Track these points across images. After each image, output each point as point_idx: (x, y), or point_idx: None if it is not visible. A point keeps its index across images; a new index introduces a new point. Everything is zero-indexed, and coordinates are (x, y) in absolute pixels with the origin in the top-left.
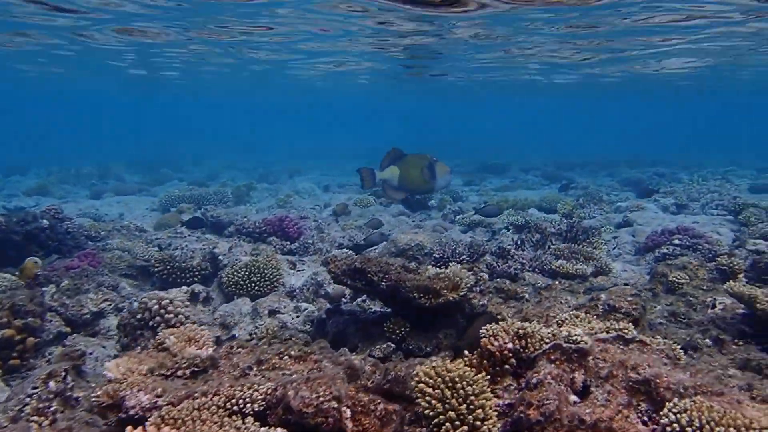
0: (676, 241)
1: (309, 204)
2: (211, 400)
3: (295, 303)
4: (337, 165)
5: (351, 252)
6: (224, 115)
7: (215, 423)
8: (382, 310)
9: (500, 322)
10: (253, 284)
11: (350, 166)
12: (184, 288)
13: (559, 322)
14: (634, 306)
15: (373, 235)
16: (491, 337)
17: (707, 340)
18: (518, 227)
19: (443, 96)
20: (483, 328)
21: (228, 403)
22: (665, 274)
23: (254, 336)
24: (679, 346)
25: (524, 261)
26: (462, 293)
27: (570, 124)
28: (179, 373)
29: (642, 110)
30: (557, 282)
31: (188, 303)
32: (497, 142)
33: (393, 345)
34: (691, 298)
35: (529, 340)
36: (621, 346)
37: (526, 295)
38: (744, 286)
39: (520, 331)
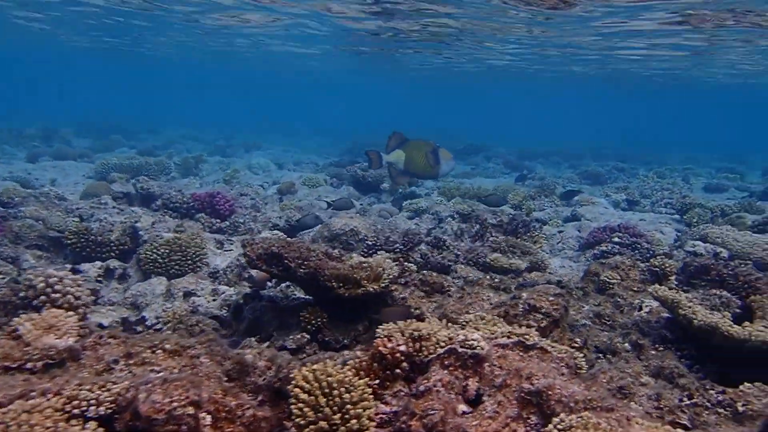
0: (616, 239)
1: (259, 180)
2: (48, 400)
3: (215, 285)
4: (299, 143)
5: (281, 234)
6: (192, 86)
7: (47, 429)
8: (304, 297)
9: (397, 323)
10: (173, 263)
11: (311, 143)
12: (98, 263)
13: (464, 323)
14: (555, 306)
15: (307, 217)
16: (385, 338)
17: (626, 344)
18: (464, 216)
19: (418, 80)
20: (379, 327)
21: (69, 405)
22: (597, 273)
23: (160, 320)
24: (593, 351)
25: (459, 252)
26: (383, 285)
27: (543, 113)
28: (28, 365)
29: (617, 102)
30: (488, 276)
31: (88, 281)
32: (469, 127)
33: (308, 336)
34: (619, 300)
35: (424, 343)
36: (520, 353)
37: (453, 289)
38: (668, 290)
39: (415, 333)
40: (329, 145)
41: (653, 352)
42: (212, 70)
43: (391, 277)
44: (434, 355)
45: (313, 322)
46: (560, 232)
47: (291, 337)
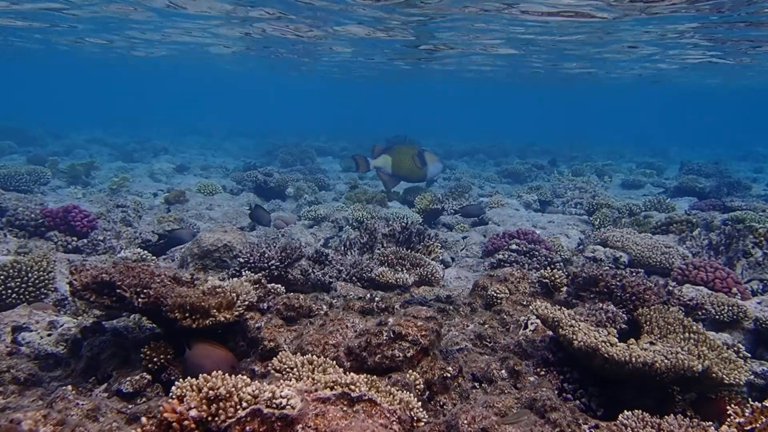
0: (514, 246)
1: (154, 188)
2: None
3: (57, 316)
4: (220, 145)
5: (144, 252)
6: (110, 88)
7: None
8: (156, 328)
9: (192, 379)
10: (10, 291)
11: (233, 146)
12: None
13: (287, 369)
14: (424, 332)
15: (179, 231)
16: (176, 400)
17: (503, 371)
18: (361, 224)
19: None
20: (174, 386)
21: None
22: (485, 287)
23: None
24: (470, 380)
25: (342, 268)
26: (237, 312)
27: (475, 110)
28: None
29: (546, 98)
30: (361, 296)
31: None
32: (402, 124)
33: (149, 376)
34: (506, 317)
35: (223, 403)
36: (344, 408)
37: (322, 312)
38: (549, 307)
39: (211, 392)
40: (253, 147)
41: (532, 379)
42: (129, 71)
43: (247, 302)
44: (233, 419)
45: (156, 359)
46: (464, 238)
47: (129, 378)
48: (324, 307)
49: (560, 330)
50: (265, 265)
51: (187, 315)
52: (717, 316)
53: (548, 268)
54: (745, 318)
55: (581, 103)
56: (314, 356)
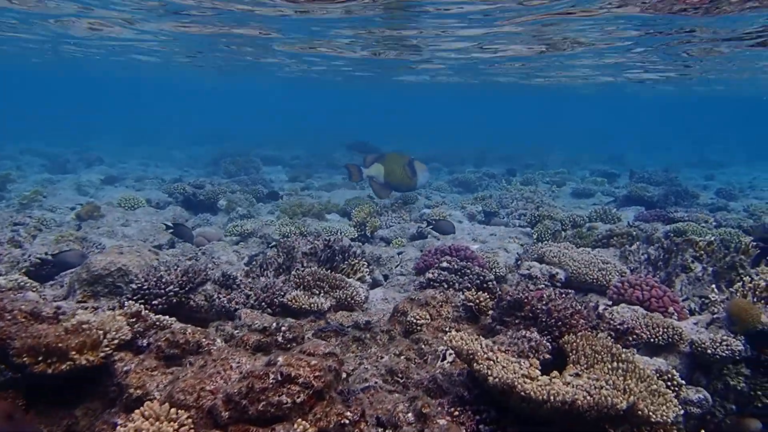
0: (444, 264)
1: (73, 203)
2: None
3: None
4: (167, 154)
5: (23, 279)
6: (62, 96)
7: None
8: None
9: None
10: None
11: (181, 155)
12: None
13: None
14: (318, 373)
15: (66, 253)
16: None
17: (410, 414)
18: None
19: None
20: None
21: None
22: (405, 312)
23: None
24: (374, 425)
25: (251, 293)
26: (104, 353)
27: (436, 114)
28: None
29: (507, 102)
30: (257, 329)
31: None
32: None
33: None
34: (424, 346)
35: None
36: None
37: (214, 348)
38: (463, 338)
39: None
40: (204, 155)
41: (442, 422)
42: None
43: (117, 341)
44: None
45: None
46: (400, 253)
47: None
48: (218, 341)
49: (475, 364)
50: (162, 291)
51: (41, 359)
52: (651, 340)
53: (475, 289)
54: (681, 341)
55: (541, 107)
56: (178, 409)
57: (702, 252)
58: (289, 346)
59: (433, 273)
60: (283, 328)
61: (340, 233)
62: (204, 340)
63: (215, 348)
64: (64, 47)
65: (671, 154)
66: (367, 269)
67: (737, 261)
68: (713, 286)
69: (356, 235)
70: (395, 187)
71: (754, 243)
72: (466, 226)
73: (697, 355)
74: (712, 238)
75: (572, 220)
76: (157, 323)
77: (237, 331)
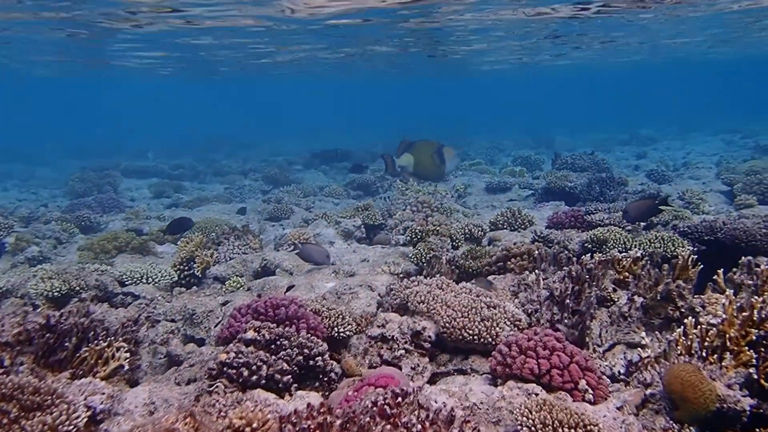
0: (250, 335)
1: None
2: None
3: None
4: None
5: None
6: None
7: None
8: None
9: None
10: None
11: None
12: None
13: None
14: None
15: None
16: None
17: None
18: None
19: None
20: None
21: None
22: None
23: None
24: None
25: None
26: None
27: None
28: None
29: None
30: None
31: None
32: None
33: None
34: None
35: None
36: None
37: None
38: None
39: None
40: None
41: None
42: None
43: None
44: None
45: None
46: (225, 304)
47: None
48: None
49: None
50: None
51: None
52: None
53: (297, 370)
54: None
55: (461, 89)
56: None
57: (626, 273)
58: None
59: (231, 351)
60: None
61: (150, 278)
62: None
63: None
64: None
65: (603, 133)
66: (127, 355)
67: (673, 290)
68: (643, 329)
69: (174, 279)
70: (423, 176)
71: (695, 252)
72: (337, 249)
73: None
74: (639, 253)
75: (468, 232)
76: None
77: None
